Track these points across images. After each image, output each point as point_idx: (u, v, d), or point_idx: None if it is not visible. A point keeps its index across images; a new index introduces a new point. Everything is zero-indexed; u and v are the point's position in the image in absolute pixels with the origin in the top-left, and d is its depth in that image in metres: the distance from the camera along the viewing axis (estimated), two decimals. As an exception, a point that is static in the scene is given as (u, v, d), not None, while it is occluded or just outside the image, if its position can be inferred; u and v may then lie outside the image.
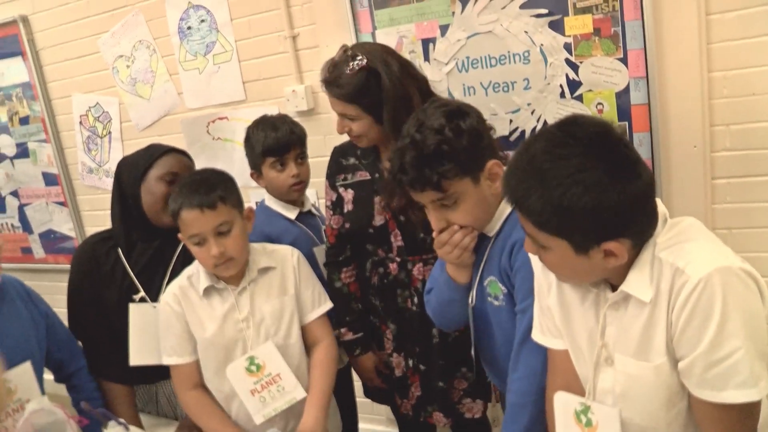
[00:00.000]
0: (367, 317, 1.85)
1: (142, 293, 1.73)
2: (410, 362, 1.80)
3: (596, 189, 0.97)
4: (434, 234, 1.39)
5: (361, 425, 2.10)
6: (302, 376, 1.66)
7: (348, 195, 1.78)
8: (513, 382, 1.38)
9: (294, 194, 1.89)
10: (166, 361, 1.64)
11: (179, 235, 1.58)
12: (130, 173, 1.75)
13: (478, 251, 1.42)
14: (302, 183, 1.89)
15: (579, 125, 1.05)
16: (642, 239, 1.05)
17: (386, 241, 1.73)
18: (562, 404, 1.21)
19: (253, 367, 1.58)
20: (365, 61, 1.59)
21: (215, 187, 1.54)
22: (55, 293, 3.53)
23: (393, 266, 1.75)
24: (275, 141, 1.84)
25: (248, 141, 1.90)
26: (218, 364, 1.59)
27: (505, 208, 1.36)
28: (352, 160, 1.80)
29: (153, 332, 1.69)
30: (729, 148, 1.85)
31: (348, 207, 1.78)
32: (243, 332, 1.59)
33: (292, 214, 1.93)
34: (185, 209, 1.51)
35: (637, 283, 1.05)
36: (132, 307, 1.72)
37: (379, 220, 1.72)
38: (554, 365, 1.27)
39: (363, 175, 1.76)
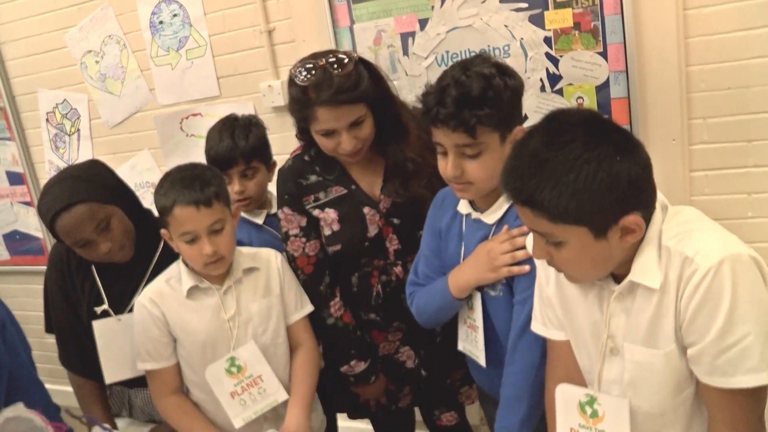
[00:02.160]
0: (365, 340, 1.76)
1: (104, 306, 1.67)
2: (421, 353, 1.78)
3: (608, 163, 0.98)
4: (446, 177, 1.35)
5: (340, 423, 2.08)
6: (287, 378, 1.63)
7: (329, 215, 1.66)
8: (510, 374, 1.37)
9: (243, 209, 1.81)
10: (142, 366, 1.58)
11: (162, 231, 1.53)
12: (43, 219, 1.61)
13: (477, 241, 1.41)
14: (248, 199, 1.81)
15: (568, 114, 1.08)
16: (649, 214, 1.05)
17: (382, 250, 1.68)
18: (565, 396, 1.20)
19: (234, 369, 1.55)
20: (353, 55, 1.56)
21: (209, 183, 1.49)
22: (20, 296, 3.45)
23: (397, 269, 1.69)
24: (216, 155, 1.76)
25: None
26: (204, 365, 1.55)
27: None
28: (314, 178, 1.67)
29: (122, 345, 1.65)
30: (706, 141, 1.87)
31: (333, 227, 1.66)
32: (230, 331, 1.55)
33: (258, 218, 1.87)
34: (179, 206, 1.45)
35: (644, 271, 1.05)
36: (96, 324, 1.66)
37: (373, 230, 1.65)
38: (555, 356, 1.27)
39: (339, 191, 1.66)
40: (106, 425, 1.22)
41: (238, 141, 1.78)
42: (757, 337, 0.98)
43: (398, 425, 2.01)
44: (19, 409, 1.36)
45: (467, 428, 1.95)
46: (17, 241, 3.27)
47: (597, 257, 1.05)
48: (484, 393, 1.66)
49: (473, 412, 2.08)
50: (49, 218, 1.56)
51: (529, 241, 1.23)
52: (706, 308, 1.00)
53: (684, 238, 1.03)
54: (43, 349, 3.06)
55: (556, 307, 1.23)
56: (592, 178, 0.97)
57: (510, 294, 1.38)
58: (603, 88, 1.93)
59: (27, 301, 3.36)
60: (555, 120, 1.07)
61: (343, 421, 2.04)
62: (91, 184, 1.61)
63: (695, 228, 1.06)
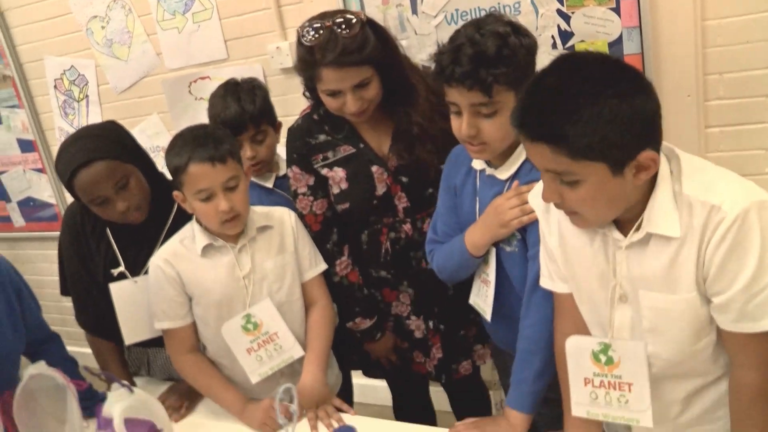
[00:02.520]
0: (373, 298, 1.79)
1: (121, 268, 1.68)
2: (430, 324, 1.79)
3: (629, 97, 0.98)
4: (460, 137, 1.34)
5: (356, 381, 2.11)
6: (303, 335, 1.66)
7: (337, 173, 1.67)
8: (525, 328, 1.38)
9: (254, 174, 1.82)
10: (159, 326, 1.60)
11: (175, 194, 1.53)
12: (61, 176, 1.61)
13: (492, 196, 1.41)
14: (261, 163, 1.82)
15: (580, 54, 1.12)
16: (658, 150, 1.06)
17: (390, 207, 1.69)
18: (576, 348, 1.21)
19: (250, 326, 1.56)
20: (361, 16, 1.54)
21: (223, 141, 1.49)
22: (37, 261, 3.49)
23: (406, 227, 1.70)
24: (224, 121, 1.75)
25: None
26: (220, 323, 1.56)
27: (522, 152, 1.35)
28: (323, 137, 1.68)
29: (140, 307, 1.66)
30: (722, 97, 1.84)
31: (341, 186, 1.67)
32: (245, 289, 1.57)
33: (268, 182, 1.88)
34: (194, 163, 1.45)
35: (661, 220, 1.05)
36: (113, 287, 1.67)
37: (381, 189, 1.66)
38: (562, 309, 1.27)
39: (347, 150, 1.67)
40: (125, 381, 1.24)
41: (245, 106, 1.77)
42: None
43: (413, 385, 2.04)
44: (41, 367, 1.40)
45: (481, 383, 1.98)
46: (31, 208, 3.29)
47: (613, 195, 1.04)
48: (497, 348, 1.68)
49: (485, 372, 2.10)
50: (67, 175, 1.56)
51: (536, 191, 1.23)
52: (735, 255, 1.00)
53: (707, 187, 1.03)
54: (60, 312, 3.12)
55: (558, 259, 1.24)
56: (615, 112, 0.97)
57: (525, 249, 1.39)
58: (616, 45, 1.90)
59: (44, 266, 3.40)
60: (568, 60, 1.07)
61: (358, 378, 2.07)
62: (110, 143, 1.62)
63: (715, 176, 1.06)
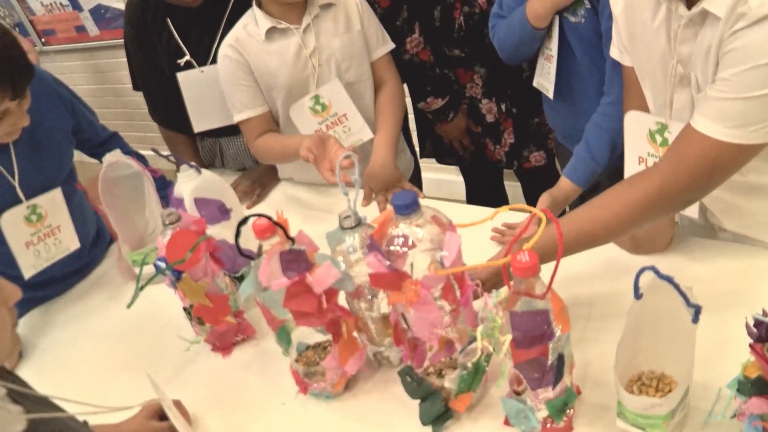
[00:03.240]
0: (446, 77, 1.74)
1: (187, 57, 1.65)
2: (502, 107, 1.74)
3: None
4: None
5: (426, 175, 2.10)
6: (371, 122, 1.62)
7: None
8: (605, 105, 1.30)
9: None
10: (239, 117, 1.58)
11: None
12: None
13: None
14: None
15: None
16: None
17: None
18: (635, 123, 1.12)
19: (318, 107, 1.53)
20: None
21: None
22: (115, 70, 3.57)
23: (480, 0, 1.60)
24: None
25: None
26: (287, 108, 1.54)
27: None
28: None
29: (207, 96, 1.65)
30: None
31: None
32: (312, 70, 1.51)
33: None
34: None
35: None
36: (180, 76, 1.66)
37: None
38: (629, 84, 1.16)
39: None
40: (193, 163, 1.26)
41: None
42: None
43: (486, 174, 2.02)
44: (117, 154, 1.44)
45: (555, 173, 1.93)
46: (104, 17, 3.29)
47: None
48: (560, 144, 1.60)
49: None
50: None
51: None
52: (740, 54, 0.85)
53: None
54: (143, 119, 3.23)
55: (621, 31, 1.11)
56: None
57: (595, 20, 1.25)
58: None
59: (120, 75, 3.48)
60: None
61: (428, 172, 2.06)
62: None
63: None
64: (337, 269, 0.93)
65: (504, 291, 0.84)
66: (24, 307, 1.51)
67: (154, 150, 1.30)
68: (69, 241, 1.47)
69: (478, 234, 1.06)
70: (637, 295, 0.79)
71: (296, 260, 0.95)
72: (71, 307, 1.50)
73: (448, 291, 0.87)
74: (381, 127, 1.59)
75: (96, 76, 3.71)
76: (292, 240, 0.98)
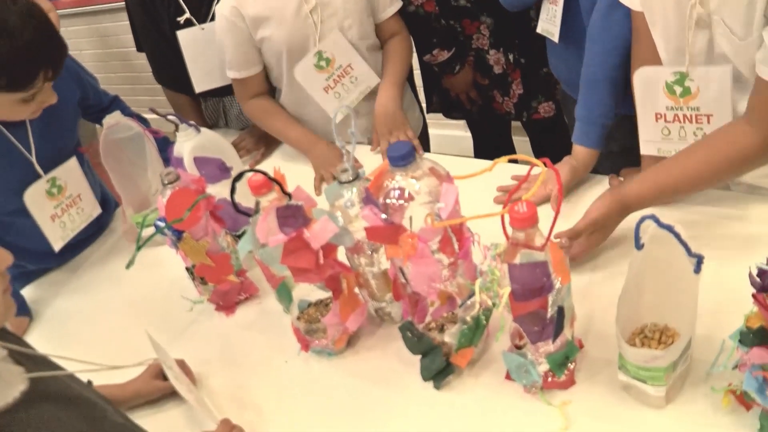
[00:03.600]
0: (452, 29, 1.70)
1: (187, 14, 1.62)
2: (510, 57, 1.70)
3: None
4: None
5: (433, 131, 2.07)
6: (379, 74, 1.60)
7: None
8: (594, 55, 1.22)
9: None
10: (231, 75, 1.58)
11: None
12: None
13: None
14: None
15: None
16: None
17: None
18: (647, 80, 1.06)
19: (323, 62, 1.50)
20: None
21: None
22: (117, 33, 3.53)
23: None
24: None
25: None
26: (292, 66, 1.52)
27: None
28: None
29: (208, 55, 1.63)
30: None
31: None
32: (314, 26, 1.48)
33: None
34: None
35: None
36: (180, 34, 1.63)
37: None
38: (638, 33, 1.10)
39: None
40: (191, 122, 1.25)
41: None
42: None
43: (494, 128, 1.98)
44: (117, 116, 1.43)
45: (564, 124, 1.89)
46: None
47: None
48: (566, 95, 1.55)
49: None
50: None
51: None
52: None
53: None
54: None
55: None
56: None
57: None
58: None
59: (128, 38, 3.45)
60: None
61: (435, 128, 2.03)
62: None
63: None
64: (334, 224, 0.92)
65: (503, 243, 0.82)
66: (32, 278, 1.51)
67: (151, 109, 1.28)
68: (91, 208, 1.48)
69: (481, 186, 1.04)
70: (638, 246, 0.77)
71: (293, 216, 0.93)
72: (79, 273, 1.51)
73: (446, 244, 0.86)
74: (387, 70, 1.58)
75: (101, 41, 3.68)
76: (289, 195, 0.96)
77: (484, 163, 0.85)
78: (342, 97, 1.53)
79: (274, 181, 0.94)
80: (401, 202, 0.85)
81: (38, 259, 1.47)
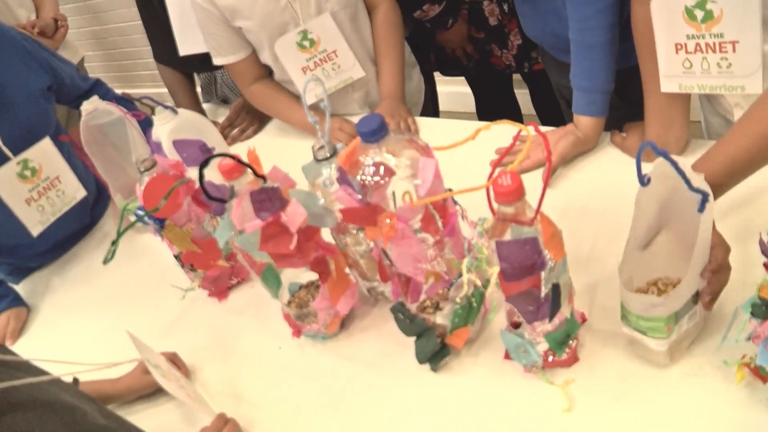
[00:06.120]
0: None
1: None
2: (504, 6, 1.61)
3: None
4: None
5: (441, 88, 1.98)
6: (369, 50, 1.51)
7: None
8: (589, 18, 1.09)
9: None
10: (218, 61, 1.51)
11: None
12: None
13: None
14: None
15: None
16: None
17: None
18: (664, 8, 0.95)
19: (306, 42, 1.42)
20: None
21: None
22: (113, 9, 3.46)
23: None
24: None
25: None
26: (271, 50, 1.44)
27: None
28: None
29: (193, 17, 1.54)
30: None
31: None
32: (290, 6, 1.38)
33: None
34: None
35: None
36: None
37: None
38: None
39: None
40: (168, 104, 1.19)
41: None
42: None
43: (494, 83, 1.89)
44: (95, 101, 1.37)
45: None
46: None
47: None
48: (547, 56, 1.45)
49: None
50: None
51: None
52: None
53: None
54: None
55: None
56: None
57: None
58: None
59: (123, 12, 3.39)
60: None
61: (443, 86, 1.95)
62: None
63: None
64: (303, 208, 0.86)
65: (491, 218, 0.75)
66: (26, 273, 1.49)
67: (124, 94, 1.22)
68: (74, 190, 1.44)
69: (477, 151, 0.97)
70: (643, 181, 0.68)
71: (269, 199, 0.88)
72: (72, 266, 1.48)
73: (429, 222, 0.79)
74: (384, 58, 1.49)
75: (97, 17, 3.61)
76: (264, 178, 0.90)
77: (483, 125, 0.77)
78: (303, 82, 1.44)
79: (244, 164, 0.87)
80: (377, 178, 0.78)
81: (25, 256, 1.44)
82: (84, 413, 0.77)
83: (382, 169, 0.78)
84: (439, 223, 0.81)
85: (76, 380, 0.93)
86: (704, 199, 0.67)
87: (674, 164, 0.66)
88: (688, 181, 0.66)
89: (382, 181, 0.78)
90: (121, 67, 3.96)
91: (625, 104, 1.18)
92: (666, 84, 1.04)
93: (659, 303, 0.72)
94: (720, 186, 0.82)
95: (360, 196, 0.78)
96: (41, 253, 1.44)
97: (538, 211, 0.72)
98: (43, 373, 0.79)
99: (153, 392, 1.06)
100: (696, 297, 0.74)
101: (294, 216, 0.84)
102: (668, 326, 0.74)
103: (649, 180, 0.70)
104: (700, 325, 0.79)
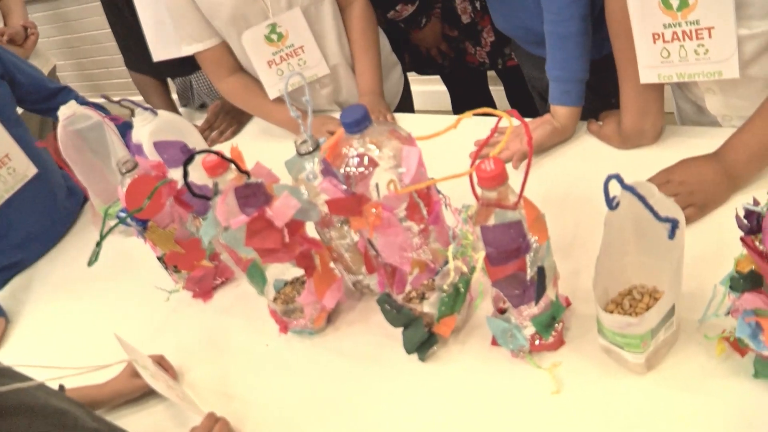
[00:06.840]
0: None
1: None
2: (476, 4, 1.64)
3: None
4: None
5: (415, 88, 1.99)
6: (343, 44, 1.51)
7: None
8: (561, 9, 1.11)
9: None
10: (187, 50, 1.48)
11: None
12: None
13: None
14: None
15: None
16: None
17: None
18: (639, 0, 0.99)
19: (274, 36, 1.42)
20: None
21: None
22: (83, 17, 3.43)
23: None
24: None
25: None
26: (239, 42, 1.43)
27: None
28: None
29: (166, 21, 1.51)
30: None
31: None
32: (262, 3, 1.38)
33: None
34: None
35: None
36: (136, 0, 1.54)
37: None
38: None
39: None
40: (147, 105, 1.18)
41: None
42: None
43: (470, 81, 1.91)
44: (72, 106, 1.36)
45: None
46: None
47: None
48: (520, 50, 1.47)
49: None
50: None
51: None
52: None
53: None
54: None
55: None
56: None
57: None
58: None
59: (94, 20, 3.36)
60: None
61: (417, 85, 1.96)
62: None
63: None
64: (296, 200, 0.86)
65: (474, 205, 0.77)
66: (6, 273, 1.47)
67: (104, 96, 1.21)
68: (24, 168, 1.44)
69: (455, 144, 0.99)
70: (611, 206, 0.69)
71: (253, 194, 0.88)
72: (52, 271, 1.46)
73: (414, 210, 0.80)
74: (362, 54, 1.48)
75: (68, 26, 3.57)
76: (247, 173, 0.91)
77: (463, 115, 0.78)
78: (284, 77, 1.44)
79: (228, 160, 0.88)
80: (361, 169, 0.79)
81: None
82: (74, 417, 0.76)
83: (366, 159, 0.79)
84: (424, 212, 0.82)
85: (62, 387, 0.92)
86: (674, 227, 0.67)
87: (641, 198, 0.66)
88: (655, 213, 0.66)
89: (366, 172, 0.79)
90: (93, 76, 3.92)
91: (597, 96, 1.20)
92: (645, 75, 1.05)
93: (634, 323, 0.72)
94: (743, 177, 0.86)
95: (345, 187, 0.78)
96: (16, 246, 1.43)
97: (521, 194, 0.73)
98: (28, 378, 0.79)
99: (142, 395, 1.05)
100: (672, 310, 0.75)
101: (283, 209, 0.85)
102: (644, 342, 0.74)
103: (617, 204, 0.70)
104: (678, 332, 0.80)
